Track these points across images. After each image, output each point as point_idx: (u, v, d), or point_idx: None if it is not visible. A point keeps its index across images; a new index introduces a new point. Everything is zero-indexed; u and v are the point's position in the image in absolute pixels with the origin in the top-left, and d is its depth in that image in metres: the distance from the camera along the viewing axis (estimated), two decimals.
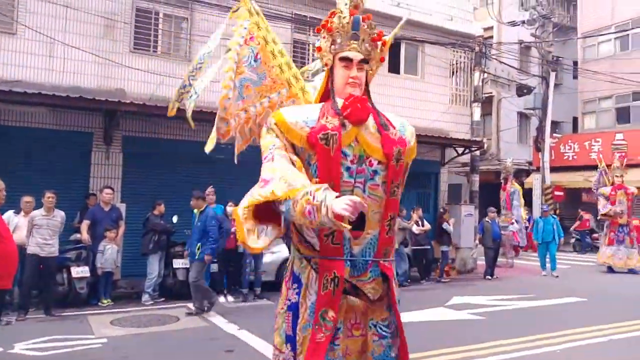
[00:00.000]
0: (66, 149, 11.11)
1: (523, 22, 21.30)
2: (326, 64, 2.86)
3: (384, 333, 2.69)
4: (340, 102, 2.73)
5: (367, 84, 2.90)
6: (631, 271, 14.98)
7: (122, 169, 11.66)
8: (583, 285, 12.42)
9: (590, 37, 24.90)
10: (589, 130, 25.05)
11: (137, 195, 11.42)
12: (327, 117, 2.65)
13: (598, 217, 16.76)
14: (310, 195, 2.27)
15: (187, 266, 10.30)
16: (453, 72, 17.09)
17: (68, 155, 11.15)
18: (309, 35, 14.22)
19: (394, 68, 15.40)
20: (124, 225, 10.33)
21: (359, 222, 2.51)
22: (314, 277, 2.62)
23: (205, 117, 11.66)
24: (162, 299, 10.02)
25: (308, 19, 14.17)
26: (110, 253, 9.65)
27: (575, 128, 27.05)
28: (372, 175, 2.65)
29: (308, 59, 13.68)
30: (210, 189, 10.24)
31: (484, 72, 17.55)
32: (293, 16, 13.77)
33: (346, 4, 2.81)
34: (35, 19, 10.93)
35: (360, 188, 2.61)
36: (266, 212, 2.49)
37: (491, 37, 23.86)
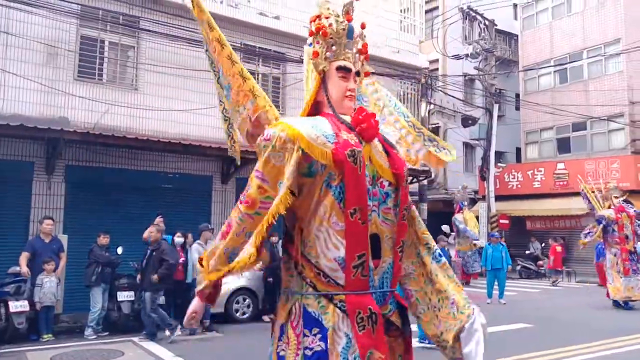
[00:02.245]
0: (6, 179, 10.71)
1: (467, 55, 22.01)
2: (319, 72, 2.52)
3: None
4: (344, 117, 2.46)
5: None
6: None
7: (65, 199, 11.31)
8: (530, 312, 12.61)
9: (531, 70, 25.87)
10: (531, 160, 25.84)
11: (80, 226, 11.07)
12: (342, 132, 2.35)
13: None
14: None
15: (132, 299, 10.03)
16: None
17: (8, 185, 10.75)
18: (258, 65, 14.29)
19: None
20: (66, 257, 9.96)
21: (374, 249, 2.30)
22: (340, 317, 2.22)
23: (153, 146, 11.56)
24: (106, 333, 9.65)
25: (257, 50, 14.25)
26: (49, 286, 9.24)
27: (518, 158, 27.86)
28: (384, 198, 2.37)
29: None
30: (159, 219, 10.02)
31: (430, 103, 17.97)
32: (242, 46, 13.81)
33: (330, 11, 2.55)
34: None
35: (376, 212, 2.33)
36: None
37: (437, 69, 24.52)
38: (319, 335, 2.22)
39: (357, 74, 2.56)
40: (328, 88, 2.52)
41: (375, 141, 2.44)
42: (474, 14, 23.30)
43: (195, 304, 2.42)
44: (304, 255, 2.31)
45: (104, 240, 9.97)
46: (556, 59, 25.23)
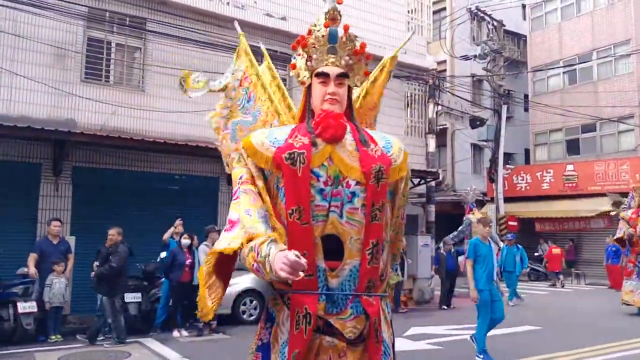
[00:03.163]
0: (13, 181, 10.75)
1: (475, 56, 21.93)
2: (302, 83, 2.59)
3: None
4: None
5: (350, 100, 2.64)
6: None
7: (72, 200, 11.33)
8: (538, 314, 12.53)
9: (539, 71, 25.77)
10: (540, 162, 25.72)
11: (87, 227, 11.08)
12: (296, 136, 2.41)
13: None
14: (255, 250, 2.15)
15: (139, 300, 10.05)
16: (408, 104, 17.36)
17: (15, 186, 10.79)
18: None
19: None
20: (73, 258, 9.97)
21: (336, 251, 2.31)
22: (285, 314, 2.33)
23: (160, 148, 11.58)
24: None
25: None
26: (58, 287, 9.26)
27: (527, 159, 27.73)
28: (349, 198, 2.34)
29: None
30: (178, 222, 10.37)
31: (438, 104, 17.89)
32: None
33: (318, 19, 2.59)
34: None
35: (336, 213, 2.32)
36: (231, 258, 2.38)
37: (444, 70, 24.42)
38: (269, 329, 2.41)
39: (345, 75, 2.54)
40: (312, 94, 2.58)
41: (347, 140, 2.44)
42: (482, 15, 23.22)
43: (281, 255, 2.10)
44: None
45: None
46: (565, 60, 25.10)
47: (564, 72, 25.42)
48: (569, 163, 23.48)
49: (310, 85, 2.58)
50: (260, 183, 2.40)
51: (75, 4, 11.43)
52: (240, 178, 2.45)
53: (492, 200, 23.13)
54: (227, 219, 2.39)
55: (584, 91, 23.91)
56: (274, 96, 3.09)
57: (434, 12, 21.85)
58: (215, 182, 13.33)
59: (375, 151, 2.47)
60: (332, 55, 2.52)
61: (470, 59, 21.91)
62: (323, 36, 2.52)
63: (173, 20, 12.46)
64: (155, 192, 12.19)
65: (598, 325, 10.97)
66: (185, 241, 10.18)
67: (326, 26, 2.54)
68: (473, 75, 23.72)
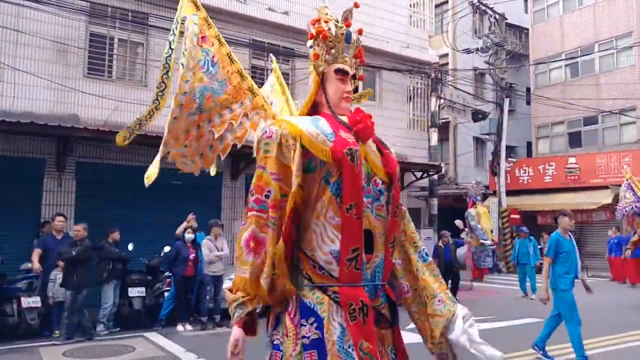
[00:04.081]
0: (17, 176, 10.79)
1: (477, 49, 21.90)
2: (319, 74, 2.60)
3: (395, 358, 2.51)
4: (342, 118, 2.55)
5: None
6: None
7: (75, 196, 11.37)
8: (542, 306, 12.51)
9: (541, 63, 25.70)
10: (542, 155, 25.70)
11: (90, 222, 11.09)
12: (340, 131, 2.44)
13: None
14: (231, 300, 2.36)
15: (144, 295, 10.11)
16: (410, 98, 17.36)
17: (19, 182, 10.83)
18: (267, 61, 14.28)
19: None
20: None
21: (367, 244, 2.38)
22: (334, 308, 2.31)
23: (159, 142, 11.59)
24: (118, 329, 9.68)
25: (266, 45, 14.24)
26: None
27: (529, 152, 27.71)
28: (377, 196, 2.47)
29: None
30: (191, 216, 10.35)
31: (440, 98, 17.89)
32: (251, 42, 13.81)
33: (329, 16, 2.63)
34: None
35: (369, 209, 2.43)
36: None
37: (446, 64, 24.40)
38: (315, 324, 2.31)
39: (353, 77, 2.66)
40: (327, 89, 2.60)
41: (370, 141, 2.54)
42: (484, 8, 23.18)
43: (234, 333, 2.36)
44: (300, 249, 2.40)
45: (114, 236, 10.01)
46: (567, 53, 25.03)
47: (566, 65, 25.35)
48: (571, 156, 23.45)
49: (322, 78, 2.61)
50: (297, 180, 2.30)
51: None
52: (269, 193, 2.36)
53: (494, 193, 23.14)
54: (250, 230, 2.35)
55: (585, 84, 23.86)
56: (244, 73, 3.00)
57: (436, 6, 21.82)
58: (219, 177, 13.35)
59: (392, 153, 2.63)
60: (347, 55, 2.61)
61: (472, 52, 21.89)
62: (342, 34, 2.59)
63: (175, 15, 12.44)
64: (159, 187, 12.13)
65: (602, 317, 10.98)
66: (189, 236, 10.21)
67: (347, 25, 2.62)
68: (475, 69, 23.70)
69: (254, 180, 2.42)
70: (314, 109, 2.65)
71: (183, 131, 2.99)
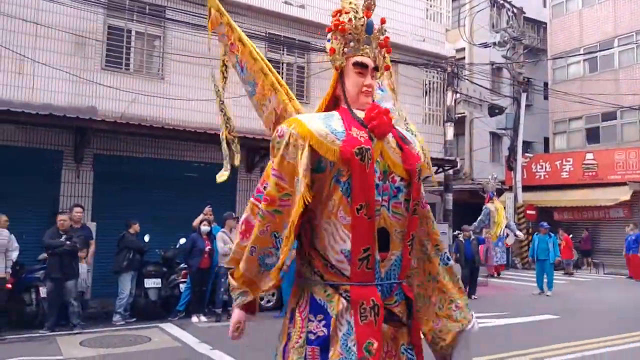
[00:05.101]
0: (35, 167, 10.92)
1: (494, 43, 21.69)
2: (336, 68, 2.54)
3: (412, 357, 2.46)
4: (359, 113, 2.46)
5: None
6: None
7: (93, 187, 11.49)
8: (556, 303, 12.49)
9: (559, 58, 25.44)
10: (560, 150, 25.45)
11: (107, 214, 11.25)
12: (353, 129, 2.38)
13: None
14: (232, 281, 2.48)
15: (159, 286, 10.21)
16: (426, 92, 17.29)
17: (37, 173, 10.96)
18: (283, 54, 14.30)
19: None
20: (95, 244, 10.12)
21: (382, 243, 2.35)
22: (344, 306, 2.30)
23: (180, 135, 11.67)
24: (134, 319, 9.79)
25: (282, 39, 14.25)
26: (80, 272, 9.41)
27: (546, 148, 27.46)
28: (395, 193, 2.41)
29: (282, 78, 13.76)
30: (208, 209, 10.43)
31: (457, 92, 17.79)
32: (267, 35, 13.81)
33: (352, 6, 2.51)
34: (4, 36, 10.80)
35: (385, 207, 2.37)
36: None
37: (463, 58, 24.21)
38: (323, 322, 2.31)
39: (376, 68, 2.55)
40: (345, 84, 2.53)
41: (389, 137, 2.46)
42: (502, 2, 22.97)
43: (235, 314, 2.51)
44: (313, 247, 2.39)
45: (135, 227, 10.09)
46: (586, 47, 24.73)
47: (584, 60, 25.07)
48: (588, 152, 23.17)
49: (341, 72, 2.54)
50: (305, 180, 2.28)
51: None
52: (266, 187, 2.42)
53: (510, 189, 22.98)
54: (245, 216, 2.49)
55: (604, 79, 23.57)
56: (267, 69, 2.99)
57: (453, 0, 21.66)
58: (234, 170, 13.35)
59: (413, 149, 2.54)
60: (367, 47, 2.51)
61: (490, 46, 21.70)
62: (362, 25, 2.49)
63: (192, 8, 12.50)
64: (175, 179, 12.30)
65: (618, 314, 10.92)
66: (205, 228, 10.28)
67: (367, 16, 2.51)
68: (492, 63, 23.49)
69: (263, 173, 2.52)
70: (334, 104, 2.59)
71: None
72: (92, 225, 10.60)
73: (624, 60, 23.59)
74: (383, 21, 2.55)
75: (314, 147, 2.31)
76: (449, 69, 17.38)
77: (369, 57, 2.51)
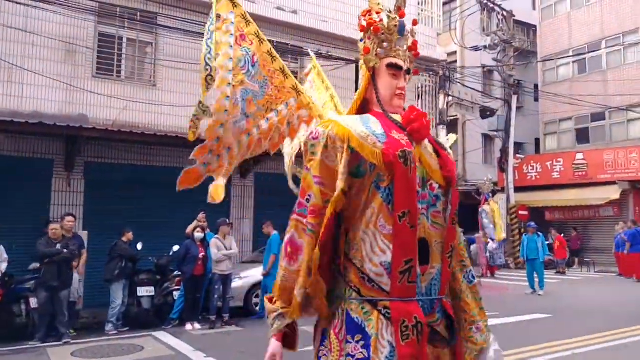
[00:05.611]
0: (26, 176, 10.85)
1: (485, 47, 21.82)
2: (369, 69, 2.40)
3: None
4: (395, 116, 2.33)
5: None
6: None
7: (84, 195, 11.43)
8: (549, 302, 12.53)
9: (549, 60, 25.60)
10: (550, 151, 25.62)
11: (99, 222, 11.19)
12: (392, 132, 2.23)
13: None
14: (271, 310, 2.21)
15: (152, 294, 10.14)
16: (418, 96, 17.33)
17: (28, 182, 10.88)
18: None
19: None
20: (86, 253, 10.05)
21: (422, 255, 2.17)
22: (384, 325, 2.10)
23: (172, 142, 11.63)
24: (126, 329, 9.69)
25: (275, 44, 14.23)
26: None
27: (537, 149, 27.62)
28: (434, 201, 2.24)
29: None
30: (201, 215, 10.29)
31: (449, 95, 17.86)
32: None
33: (381, 6, 2.41)
34: None
35: (425, 215, 2.20)
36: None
37: (455, 61, 24.33)
38: (361, 342, 2.11)
39: (408, 71, 2.43)
40: (378, 86, 2.39)
41: (426, 142, 2.31)
42: (492, 5, 23.09)
43: (272, 347, 2.21)
44: (348, 259, 2.21)
45: (128, 235, 10.02)
46: (575, 49, 24.95)
47: (573, 62, 25.28)
48: (578, 152, 23.36)
49: (373, 72, 2.41)
50: (342, 185, 2.14)
51: None
52: (310, 197, 2.21)
53: (502, 190, 23.08)
54: (289, 237, 2.22)
55: (593, 80, 23.80)
56: (287, 70, 2.79)
57: (444, 4, 21.75)
58: (228, 177, 13.37)
59: (450, 155, 2.42)
60: (400, 48, 2.40)
61: (481, 49, 21.81)
62: (395, 26, 2.37)
63: (184, 15, 12.49)
64: (167, 186, 12.17)
65: (609, 311, 10.97)
66: (198, 234, 10.23)
67: (401, 16, 2.39)
68: (483, 66, 23.61)
69: (301, 183, 2.28)
70: (363, 108, 2.45)
71: (234, 140, 2.75)
72: (84, 234, 10.51)
73: (612, 62, 23.81)
74: (415, 23, 2.46)
75: (356, 149, 2.16)
76: (441, 73, 17.45)
77: (402, 59, 2.40)
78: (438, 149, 2.34)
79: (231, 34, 2.74)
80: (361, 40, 2.43)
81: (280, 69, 2.79)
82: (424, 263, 2.17)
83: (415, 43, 2.46)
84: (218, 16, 2.85)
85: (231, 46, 2.72)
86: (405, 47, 2.41)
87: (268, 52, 2.81)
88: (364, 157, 2.16)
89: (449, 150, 2.48)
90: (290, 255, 2.21)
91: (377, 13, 2.39)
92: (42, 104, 11.12)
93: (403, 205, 2.11)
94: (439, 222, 2.25)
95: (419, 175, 2.20)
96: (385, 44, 2.37)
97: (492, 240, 17.22)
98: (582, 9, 24.99)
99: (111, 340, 8.97)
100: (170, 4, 12.58)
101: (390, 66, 2.36)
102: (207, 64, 2.78)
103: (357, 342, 2.11)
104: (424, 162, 2.25)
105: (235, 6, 2.89)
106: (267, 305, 2.25)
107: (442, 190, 2.28)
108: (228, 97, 2.65)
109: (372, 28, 2.36)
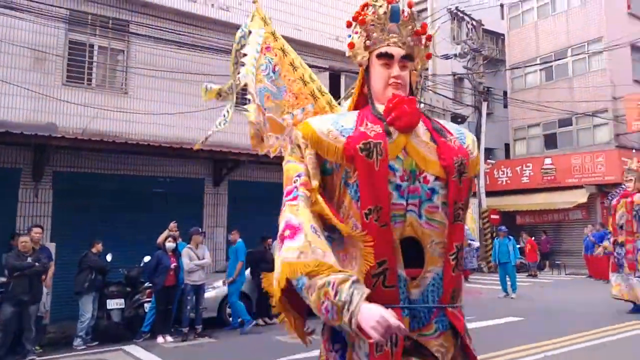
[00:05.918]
0: None
1: (455, 55, 22.09)
2: (360, 64, 2.28)
3: None
4: (381, 106, 2.15)
5: (411, 87, 2.31)
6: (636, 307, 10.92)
7: (52, 206, 11.19)
8: (520, 305, 12.66)
9: (517, 68, 26.04)
10: (520, 156, 26.06)
11: (67, 233, 10.94)
12: (366, 124, 2.07)
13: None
14: (332, 288, 1.77)
15: (123, 307, 9.91)
16: None
17: None
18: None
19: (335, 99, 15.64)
20: (54, 265, 9.76)
21: (415, 257, 1.99)
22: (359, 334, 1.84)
23: (144, 150, 11.48)
24: (96, 343, 9.41)
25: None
26: None
27: (507, 154, 28.02)
28: (428, 195, 2.02)
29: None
30: (173, 224, 10.07)
31: (421, 102, 17.99)
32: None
33: None
34: None
35: (414, 212, 2.00)
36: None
37: (426, 69, 24.52)
38: (340, 352, 2.00)
39: (408, 57, 2.24)
40: (371, 79, 2.26)
41: (421, 130, 2.12)
42: (461, 15, 23.40)
43: (377, 309, 1.75)
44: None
45: (97, 247, 9.79)
46: (542, 57, 25.45)
47: (540, 69, 25.77)
48: (547, 157, 23.88)
49: (367, 67, 2.28)
50: (315, 182, 2.04)
51: (56, 6, 11.31)
52: (299, 177, 2.06)
53: (474, 194, 23.32)
54: (284, 222, 2.00)
55: (560, 87, 24.31)
56: (308, 79, 2.83)
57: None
58: (201, 184, 13.27)
59: (454, 141, 2.16)
60: (394, 35, 2.22)
61: (451, 57, 22.05)
62: (384, 13, 2.22)
63: (157, 23, 12.39)
64: (140, 195, 12.10)
65: (578, 313, 11.12)
66: (170, 244, 10.06)
67: (390, 2, 2.24)
68: (454, 74, 23.87)
69: (283, 181, 2.13)
70: (362, 103, 2.32)
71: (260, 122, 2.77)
72: (52, 246, 10.19)
73: (577, 69, 24.35)
74: (410, 5, 2.27)
75: (312, 146, 2.08)
76: None
77: (399, 46, 2.22)
78: (436, 136, 2.13)
79: (258, 44, 2.82)
80: (349, 36, 2.33)
81: (301, 77, 2.83)
82: (415, 266, 1.99)
83: (424, 26, 2.31)
84: (249, 32, 2.96)
85: (257, 52, 2.80)
86: (406, 33, 2.25)
87: (290, 63, 2.86)
88: (321, 154, 2.07)
89: (463, 137, 2.25)
90: (291, 235, 1.95)
91: (371, 6, 2.28)
92: (9, 112, 10.89)
93: (369, 202, 1.96)
94: (437, 219, 2.04)
95: (404, 167, 2.02)
96: (374, 35, 2.24)
97: (472, 242, 17.30)
98: (548, 19, 25.52)
99: (80, 355, 8.71)
100: (142, 12, 12.45)
101: (380, 56, 2.21)
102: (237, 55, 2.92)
103: (337, 351, 2.02)
104: (412, 151, 2.06)
105: (266, 24, 2.97)
106: (328, 278, 1.81)
107: (441, 182, 2.05)
108: (253, 87, 2.73)
109: (358, 20, 2.26)
